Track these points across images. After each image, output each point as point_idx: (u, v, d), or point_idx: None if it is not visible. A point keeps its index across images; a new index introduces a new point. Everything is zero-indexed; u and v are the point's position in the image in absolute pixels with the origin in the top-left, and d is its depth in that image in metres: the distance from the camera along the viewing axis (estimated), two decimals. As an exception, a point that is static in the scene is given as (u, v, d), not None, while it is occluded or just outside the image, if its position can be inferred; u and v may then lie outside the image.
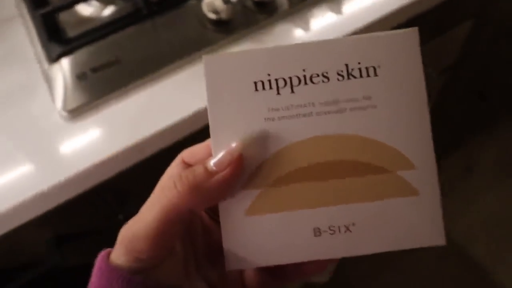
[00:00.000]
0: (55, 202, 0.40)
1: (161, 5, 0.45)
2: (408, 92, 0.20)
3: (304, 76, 0.20)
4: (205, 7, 0.44)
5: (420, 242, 0.20)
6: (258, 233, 0.20)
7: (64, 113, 0.40)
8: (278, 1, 0.46)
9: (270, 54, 0.20)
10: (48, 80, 0.42)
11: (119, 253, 0.19)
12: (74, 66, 0.42)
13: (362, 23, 0.45)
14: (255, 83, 0.20)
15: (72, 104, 0.40)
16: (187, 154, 0.21)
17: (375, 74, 0.20)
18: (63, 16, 0.46)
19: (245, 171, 0.20)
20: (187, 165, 0.21)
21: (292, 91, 0.20)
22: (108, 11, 0.48)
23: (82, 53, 0.43)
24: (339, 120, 0.20)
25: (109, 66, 0.41)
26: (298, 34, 0.45)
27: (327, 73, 0.20)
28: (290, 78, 0.20)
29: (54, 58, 0.42)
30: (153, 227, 0.18)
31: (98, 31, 0.44)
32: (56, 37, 0.44)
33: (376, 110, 0.20)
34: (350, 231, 0.20)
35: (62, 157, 0.39)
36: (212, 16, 0.43)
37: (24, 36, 0.48)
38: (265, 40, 0.45)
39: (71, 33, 0.46)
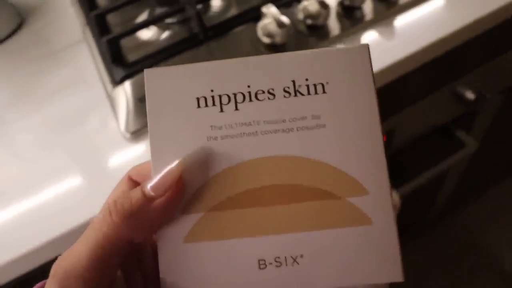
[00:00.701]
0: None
1: (216, 30, 0.47)
2: (359, 111, 0.18)
3: (249, 93, 0.18)
4: (259, 31, 0.45)
5: (374, 278, 0.18)
6: (198, 262, 0.18)
7: (127, 134, 0.42)
8: (330, 25, 0.47)
9: (213, 69, 0.19)
10: (112, 102, 0.45)
11: None
12: (136, 89, 0.44)
13: (415, 47, 0.45)
14: (198, 99, 0.18)
15: (135, 126, 0.42)
16: (134, 172, 0.20)
17: (324, 91, 0.18)
18: (124, 41, 0.49)
19: (185, 194, 0.18)
20: (134, 183, 0.20)
21: (236, 108, 0.18)
22: (165, 35, 0.51)
23: (142, 77, 0.45)
24: (285, 141, 0.18)
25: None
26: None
27: (273, 89, 0.18)
28: (234, 94, 0.18)
29: (117, 81, 0.45)
30: (86, 263, 0.16)
31: (158, 55, 0.46)
32: (119, 61, 0.47)
33: (325, 130, 0.18)
34: (298, 264, 0.18)
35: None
36: (266, 40, 0.45)
37: (89, 60, 0.52)
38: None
39: (131, 56, 0.48)
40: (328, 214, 0.18)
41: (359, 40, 0.46)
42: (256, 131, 0.18)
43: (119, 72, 0.45)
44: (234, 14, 0.48)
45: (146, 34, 0.51)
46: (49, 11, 0.63)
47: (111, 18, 0.52)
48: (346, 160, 0.18)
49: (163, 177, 0.17)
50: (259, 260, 0.18)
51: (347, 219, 0.18)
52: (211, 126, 0.18)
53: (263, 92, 0.18)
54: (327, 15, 0.46)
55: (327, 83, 0.18)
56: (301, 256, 0.18)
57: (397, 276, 0.18)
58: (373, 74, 0.18)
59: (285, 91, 0.18)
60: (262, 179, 0.18)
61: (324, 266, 0.18)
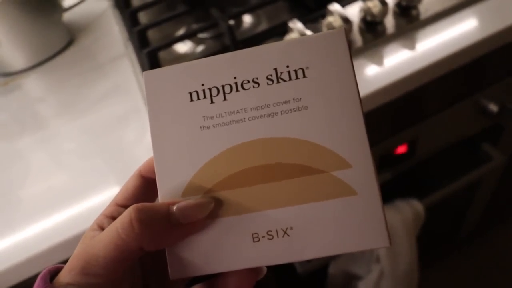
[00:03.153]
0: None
1: (246, 43, 0.51)
2: (338, 91, 0.19)
3: (236, 84, 0.20)
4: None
5: (362, 245, 0.18)
6: (199, 241, 0.19)
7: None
8: (352, 39, 0.49)
9: (203, 65, 0.20)
10: (149, 108, 0.49)
11: (72, 274, 0.18)
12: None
13: (436, 57, 0.47)
14: (190, 93, 0.20)
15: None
16: (144, 167, 0.22)
17: (304, 76, 0.20)
18: (162, 54, 0.54)
19: (183, 179, 0.20)
20: (144, 178, 0.22)
21: (225, 99, 0.20)
22: (199, 49, 0.55)
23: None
24: (271, 124, 0.19)
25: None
26: (371, 70, 0.48)
27: (257, 78, 0.20)
28: (223, 86, 0.20)
29: (155, 90, 0.49)
30: (103, 263, 0.17)
31: (192, 66, 0.50)
32: (157, 72, 0.51)
33: (308, 111, 0.19)
34: (288, 235, 0.19)
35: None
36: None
37: (130, 72, 0.57)
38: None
39: (169, 68, 0.53)
40: (315, 188, 0.19)
41: (380, 51, 0.49)
42: (244, 118, 0.20)
43: (157, 81, 0.49)
44: (263, 29, 0.51)
45: (182, 48, 0.56)
46: (96, 30, 0.69)
47: (151, 35, 0.57)
48: (329, 137, 0.19)
49: (193, 207, 0.19)
50: (252, 234, 0.19)
51: (332, 192, 0.19)
52: (203, 116, 0.20)
53: (248, 81, 0.20)
54: (350, 30, 0.48)
55: (307, 68, 0.20)
56: (291, 228, 0.19)
57: (384, 241, 0.18)
58: (351, 56, 0.20)
59: (268, 78, 0.20)
60: (252, 160, 0.19)
61: (313, 236, 0.19)
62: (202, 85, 0.20)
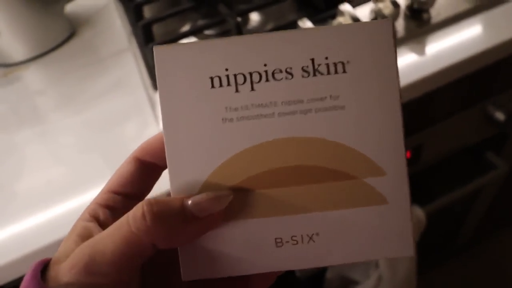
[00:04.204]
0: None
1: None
2: (379, 92, 0.17)
3: (266, 72, 0.17)
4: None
5: (387, 253, 0.18)
6: (216, 242, 0.18)
7: (165, 134, 0.44)
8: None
9: (228, 46, 0.17)
10: (153, 106, 0.48)
11: (72, 273, 0.16)
12: (175, 93, 0.47)
13: (444, 63, 0.46)
14: (212, 78, 0.17)
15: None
16: (141, 151, 0.20)
17: (344, 71, 0.17)
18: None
19: (198, 177, 0.18)
20: (141, 162, 0.20)
21: (252, 89, 0.18)
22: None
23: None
24: (303, 122, 0.18)
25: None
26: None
27: (291, 68, 0.17)
28: (250, 73, 0.17)
29: (159, 86, 0.48)
30: (110, 259, 0.16)
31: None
32: (161, 67, 0.50)
33: (344, 111, 0.18)
34: (314, 241, 0.18)
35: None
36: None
37: (133, 66, 0.55)
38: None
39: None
40: (345, 195, 0.18)
41: (390, 55, 0.48)
42: (273, 113, 0.18)
43: (161, 77, 0.48)
44: (271, 28, 0.50)
45: (187, 44, 0.55)
46: (98, 23, 0.68)
47: (156, 29, 0.56)
48: (364, 142, 0.18)
49: (210, 200, 0.17)
50: (275, 239, 0.18)
51: (363, 200, 0.18)
52: (226, 107, 0.18)
53: (281, 71, 0.17)
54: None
55: (347, 62, 0.17)
56: (317, 234, 0.18)
57: (409, 251, 0.18)
58: (396, 53, 0.18)
59: (303, 70, 0.17)
60: (279, 160, 0.18)
61: (338, 243, 0.18)
62: (226, 70, 0.17)
